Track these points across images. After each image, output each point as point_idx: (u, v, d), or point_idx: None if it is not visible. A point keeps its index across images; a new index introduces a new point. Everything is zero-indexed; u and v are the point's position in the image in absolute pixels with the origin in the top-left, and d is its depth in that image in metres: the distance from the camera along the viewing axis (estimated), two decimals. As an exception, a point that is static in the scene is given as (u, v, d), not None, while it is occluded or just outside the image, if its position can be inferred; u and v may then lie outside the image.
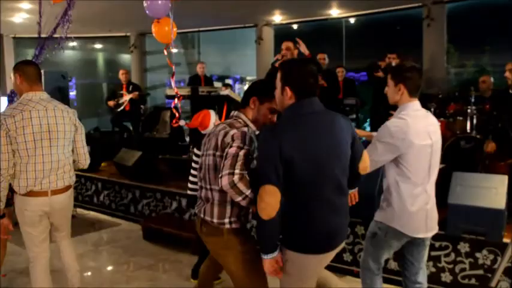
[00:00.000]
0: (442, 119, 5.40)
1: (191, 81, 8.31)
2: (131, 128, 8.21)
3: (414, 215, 2.38)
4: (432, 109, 5.37)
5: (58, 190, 2.85)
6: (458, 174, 3.38)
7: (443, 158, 4.89)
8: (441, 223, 2.80)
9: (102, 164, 6.86)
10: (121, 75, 7.95)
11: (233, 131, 2.18)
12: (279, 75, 2.07)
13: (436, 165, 2.46)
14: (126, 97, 7.81)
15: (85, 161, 3.05)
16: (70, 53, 12.56)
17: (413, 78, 2.40)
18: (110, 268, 4.32)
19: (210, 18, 9.09)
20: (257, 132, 2.33)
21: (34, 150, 2.75)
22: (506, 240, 3.16)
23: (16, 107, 2.76)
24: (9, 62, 10.47)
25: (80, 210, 6.20)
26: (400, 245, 2.50)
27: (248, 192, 2.04)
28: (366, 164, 2.18)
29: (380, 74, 6.43)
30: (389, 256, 2.60)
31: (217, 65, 12.19)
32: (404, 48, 7.84)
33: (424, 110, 2.48)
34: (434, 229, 2.48)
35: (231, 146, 2.11)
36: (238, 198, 2.06)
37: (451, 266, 3.36)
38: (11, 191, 2.85)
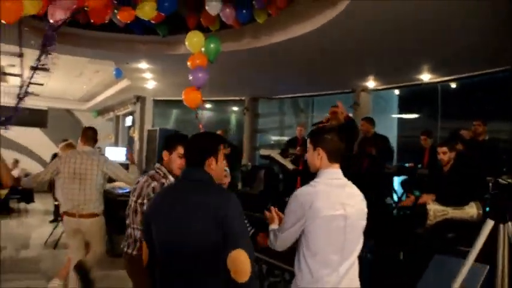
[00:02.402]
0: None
1: (288, 143, 8.76)
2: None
3: None
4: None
5: (84, 215, 3.95)
6: (439, 258, 3.08)
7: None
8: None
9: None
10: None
11: (153, 184, 2.71)
12: None
13: (355, 243, 2.17)
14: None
15: (128, 181, 4.10)
16: (206, 113, 14.33)
17: (332, 141, 2.20)
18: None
19: (307, 84, 9.60)
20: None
21: (68, 185, 3.94)
22: None
23: (65, 154, 4.18)
24: (148, 118, 12.55)
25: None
26: None
27: None
28: (237, 267, 1.87)
29: (459, 146, 5.93)
30: None
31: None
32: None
33: (344, 180, 2.22)
34: None
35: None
36: None
37: None
38: None
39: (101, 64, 9.15)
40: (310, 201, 2.08)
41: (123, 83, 10.58)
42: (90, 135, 4.22)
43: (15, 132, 13.64)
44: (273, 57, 7.16)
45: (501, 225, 2.21)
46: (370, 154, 5.88)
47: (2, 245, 6.91)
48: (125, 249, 2.80)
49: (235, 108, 13.44)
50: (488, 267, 2.68)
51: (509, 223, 2.19)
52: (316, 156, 2.19)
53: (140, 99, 12.41)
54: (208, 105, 13.70)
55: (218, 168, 2.09)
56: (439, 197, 4.41)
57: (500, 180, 2.20)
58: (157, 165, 2.89)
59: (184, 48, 7.04)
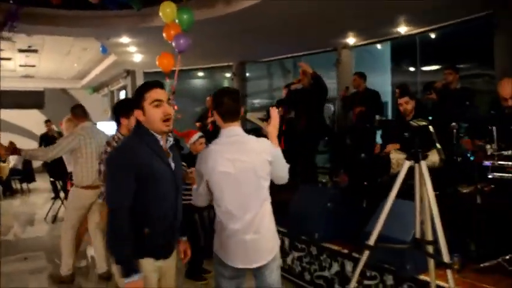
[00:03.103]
0: None
1: (277, 104, 8.98)
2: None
3: (229, 244, 2.34)
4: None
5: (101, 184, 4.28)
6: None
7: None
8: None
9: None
10: (207, 101, 9.09)
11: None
12: None
13: (254, 196, 2.35)
14: (209, 119, 8.91)
15: None
16: (200, 81, 14.49)
17: (223, 103, 2.36)
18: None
19: (291, 45, 9.67)
20: None
21: (90, 160, 4.27)
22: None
23: (80, 131, 4.38)
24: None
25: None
26: (233, 275, 2.40)
27: None
28: None
29: (433, 96, 6.07)
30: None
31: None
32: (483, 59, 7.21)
33: (242, 137, 2.39)
34: (261, 260, 2.36)
35: None
36: None
37: None
38: None
39: (86, 41, 9.30)
40: (205, 160, 2.36)
41: (111, 59, 10.72)
42: (80, 112, 4.51)
43: (13, 115, 13.96)
44: (250, 21, 7.23)
45: (416, 165, 2.46)
46: (359, 112, 6.06)
47: (8, 225, 7.31)
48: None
49: (227, 75, 13.57)
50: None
51: (422, 162, 2.45)
52: (216, 118, 2.42)
53: (130, 72, 12.57)
54: (200, 73, 13.84)
55: (147, 119, 2.14)
56: (404, 146, 4.64)
57: (411, 122, 2.43)
58: (117, 134, 3.30)
59: (160, 20, 7.20)
